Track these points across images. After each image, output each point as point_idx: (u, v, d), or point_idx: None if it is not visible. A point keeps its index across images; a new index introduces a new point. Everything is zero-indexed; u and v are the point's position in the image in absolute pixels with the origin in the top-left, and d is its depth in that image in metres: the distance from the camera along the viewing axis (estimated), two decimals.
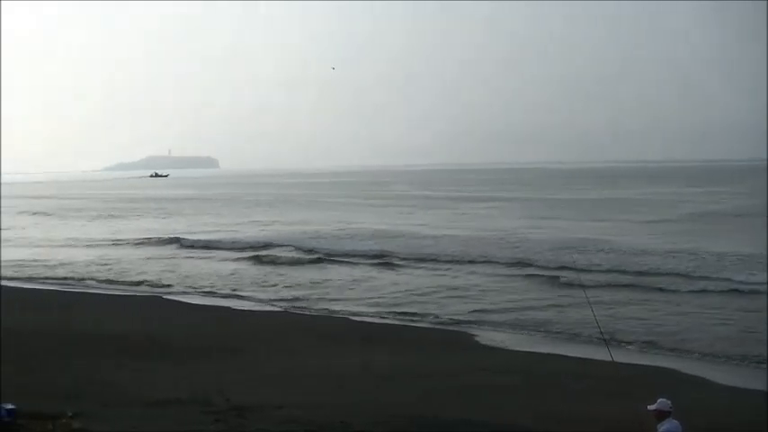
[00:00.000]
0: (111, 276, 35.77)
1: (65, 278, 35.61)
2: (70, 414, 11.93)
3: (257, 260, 40.72)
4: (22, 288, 32.38)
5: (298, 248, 44.27)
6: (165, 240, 50.48)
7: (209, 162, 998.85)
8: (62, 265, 39.80)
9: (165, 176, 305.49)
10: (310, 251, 42.88)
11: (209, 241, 49.18)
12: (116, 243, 50.60)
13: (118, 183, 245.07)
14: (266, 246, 46.33)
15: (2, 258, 41.16)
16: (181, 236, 52.35)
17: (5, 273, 36.86)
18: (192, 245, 47.91)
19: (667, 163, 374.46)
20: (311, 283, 33.06)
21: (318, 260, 39.70)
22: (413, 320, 25.02)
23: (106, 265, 39.78)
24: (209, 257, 42.56)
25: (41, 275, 36.36)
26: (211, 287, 32.36)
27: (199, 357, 18.42)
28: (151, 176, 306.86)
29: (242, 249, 45.34)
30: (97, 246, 49.38)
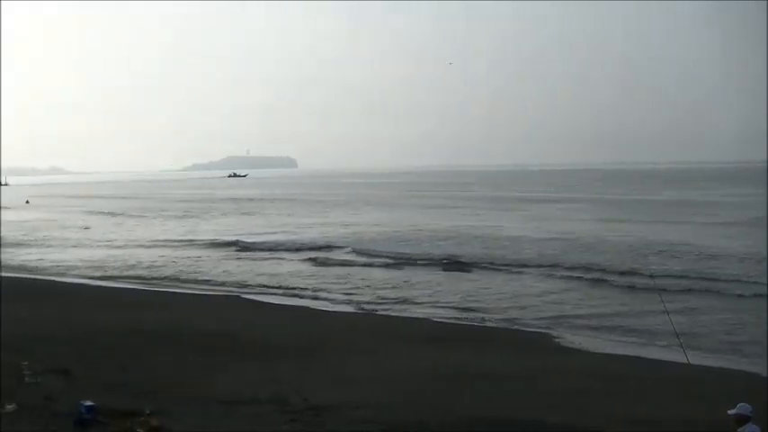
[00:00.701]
0: (189, 276, 36.85)
1: (143, 277, 36.82)
2: (148, 411, 12.16)
3: (330, 261, 41.18)
4: (105, 287, 33.65)
5: (371, 250, 44.48)
6: (226, 243, 50.97)
7: (288, 162, 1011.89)
8: (140, 264, 41.18)
9: (244, 176, 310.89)
10: (383, 253, 42.98)
11: (277, 243, 49.76)
12: (188, 243, 51.74)
13: (195, 182, 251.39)
14: (341, 247, 46.80)
15: (86, 258, 43.75)
16: (244, 237, 53.32)
17: (89, 272, 38.66)
18: (255, 247, 48.33)
19: (720, 164, 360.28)
20: (386, 284, 33.31)
21: (393, 262, 39.82)
22: (490, 322, 25.11)
23: (181, 264, 40.99)
24: (277, 258, 43.06)
25: (121, 275, 37.69)
26: (288, 287, 32.91)
27: (277, 357, 18.66)
28: (229, 176, 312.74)
29: (317, 249, 45.86)
30: (166, 246, 50.66)
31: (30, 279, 35.99)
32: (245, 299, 30.34)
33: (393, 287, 32.70)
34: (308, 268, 39.19)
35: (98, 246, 52.18)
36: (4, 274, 37.79)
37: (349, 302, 29.48)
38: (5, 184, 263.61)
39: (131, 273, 38.43)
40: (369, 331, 23.23)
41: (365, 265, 39.78)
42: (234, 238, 52.68)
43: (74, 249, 50.42)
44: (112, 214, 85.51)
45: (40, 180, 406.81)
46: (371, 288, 32.61)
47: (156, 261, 42.63)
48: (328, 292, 31.72)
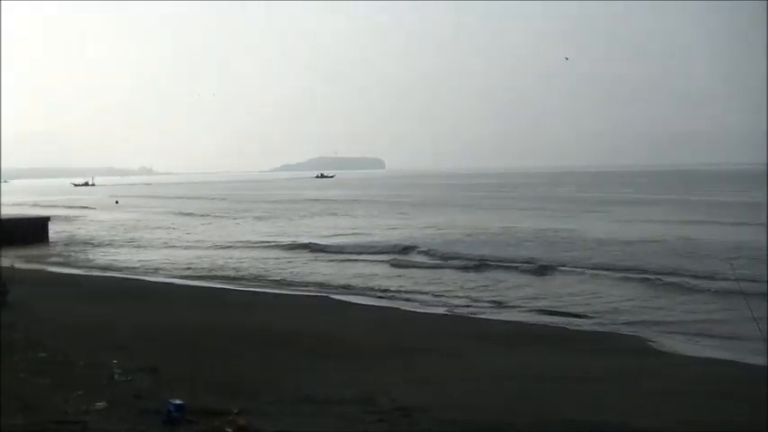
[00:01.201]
0: (275, 277, 37.54)
1: (230, 277, 37.68)
2: (236, 410, 12.18)
3: (411, 263, 41.52)
4: (192, 286, 34.52)
5: (453, 252, 44.43)
6: (308, 244, 51.33)
7: (376, 163, 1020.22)
8: (227, 265, 42.16)
9: (331, 177, 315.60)
10: (465, 255, 42.79)
11: (358, 244, 50.07)
12: (273, 244, 52.38)
13: (283, 183, 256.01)
14: (423, 248, 46.88)
15: (174, 258, 45.18)
16: (327, 239, 54.34)
17: (178, 272, 39.78)
18: (337, 249, 48.66)
19: None
20: (472, 286, 33.33)
21: (475, 264, 39.64)
22: (579, 325, 24.92)
23: (267, 265, 41.75)
24: (362, 261, 43.33)
25: (208, 275, 38.64)
26: (375, 289, 33.32)
27: (364, 357, 18.82)
28: (317, 177, 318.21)
29: (400, 251, 46.10)
30: (251, 247, 51.55)
31: (119, 278, 37.13)
32: (333, 299, 30.69)
33: (478, 289, 32.67)
34: (391, 270, 39.38)
35: (185, 246, 53.51)
36: (94, 274, 39.39)
37: (436, 304, 29.55)
38: (92, 184, 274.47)
39: (218, 273, 39.25)
40: (457, 332, 23.21)
41: (447, 267, 39.76)
42: (315, 240, 53.22)
43: (162, 249, 51.90)
44: (199, 215, 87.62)
45: (127, 180, 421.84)
46: (456, 290, 32.65)
47: (242, 262, 43.51)
48: (414, 294, 31.90)
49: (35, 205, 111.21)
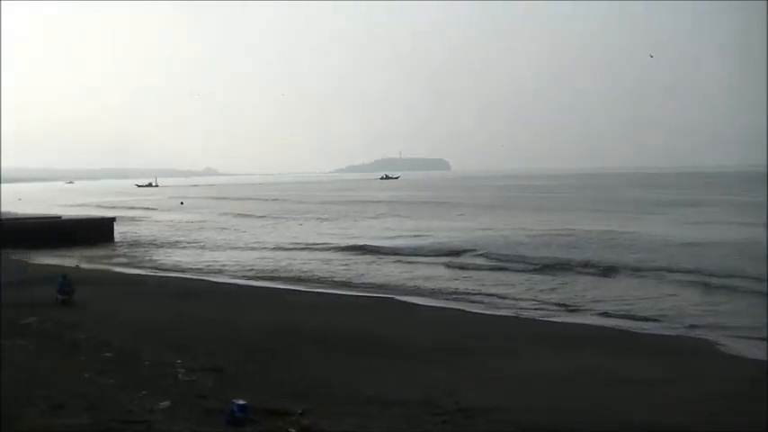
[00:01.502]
0: (337, 278, 37.73)
1: (292, 278, 37.99)
2: (300, 411, 12.42)
3: (474, 265, 41.33)
4: (256, 287, 34.88)
5: (518, 254, 44.23)
6: (369, 246, 51.23)
7: (441, 164, 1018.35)
8: (290, 266, 42.50)
9: (396, 178, 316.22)
10: (529, 258, 42.59)
11: (420, 247, 49.96)
12: (335, 247, 52.30)
13: (347, 184, 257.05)
14: (485, 250, 46.77)
15: (238, 259, 45.85)
16: (390, 240, 54.42)
17: (241, 273, 40.19)
18: (400, 250, 48.62)
19: None
20: (535, 288, 33.28)
21: (542, 266, 39.50)
22: (646, 328, 24.66)
23: (330, 266, 42.12)
24: (427, 264, 43.11)
25: (272, 276, 39.05)
26: (438, 290, 33.32)
27: (427, 358, 18.94)
28: (381, 179, 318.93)
29: (462, 252, 46.03)
30: (312, 249, 51.82)
31: (184, 279, 37.74)
32: (397, 300, 30.82)
33: (544, 291, 32.59)
34: (452, 272, 39.33)
35: (249, 247, 54.08)
36: (159, 274, 40.16)
37: (501, 306, 29.51)
38: (155, 186, 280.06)
39: (281, 274, 39.68)
40: (521, 334, 23.18)
41: (510, 269, 39.56)
42: (377, 242, 53.39)
43: (226, 250, 52.49)
44: (262, 216, 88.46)
45: (191, 181, 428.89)
46: (521, 292, 32.61)
47: (305, 263, 43.74)
48: (478, 295, 31.90)
49: (98, 206, 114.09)
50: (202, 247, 55.14)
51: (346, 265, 43.14)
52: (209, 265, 43.91)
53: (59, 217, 70.24)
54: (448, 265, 41.78)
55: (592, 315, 27.33)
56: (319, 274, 39.23)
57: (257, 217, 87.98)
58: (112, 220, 64.13)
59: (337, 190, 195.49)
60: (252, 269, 41.74)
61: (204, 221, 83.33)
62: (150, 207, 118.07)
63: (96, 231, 58.81)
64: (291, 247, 53.45)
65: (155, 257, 48.97)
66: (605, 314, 27.30)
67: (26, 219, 70.11)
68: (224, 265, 43.63)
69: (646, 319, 26.07)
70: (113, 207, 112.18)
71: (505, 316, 27.30)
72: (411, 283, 35.65)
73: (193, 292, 31.01)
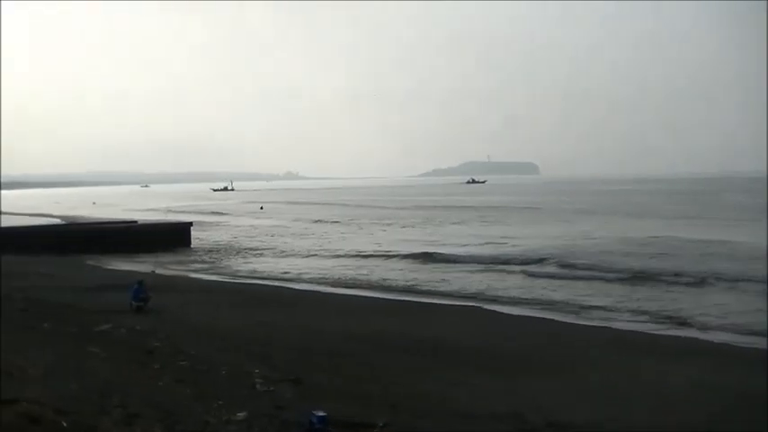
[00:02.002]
0: (419, 286, 37.83)
1: (373, 285, 38.37)
2: (381, 424, 12.46)
3: (562, 275, 40.91)
4: (337, 294, 35.36)
5: (613, 263, 43.48)
6: (448, 253, 50.86)
7: (530, 168, 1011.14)
8: (371, 273, 42.79)
9: (482, 182, 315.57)
10: (624, 267, 41.69)
11: (504, 254, 49.27)
12: (414, 254, 51.92)
13: (432, 189, 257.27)
14: (580, 258, 46.07)
15: (317, 266, 46.23)
16: (475, 247, 54.27)
17: (321, 280, 40.65)
18: (470, 258, 48.20)
19: None
20: (631, 299, 32.74)
21: (632, 276, 38.77)
22: (752, 343, 23.95)
23: (411, 274, 42.22)
24: (502, 270, 43.01)
25: (352, 283, 39.55)
26: (528, 299, 33.27)
27: (518, 370, 18.75)
28: (467, 182, 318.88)
29: (546, 262, 45.07)
30: (392, 256, 51.62)
31: (261, 285, 38.20)
32: (484, 309, 30.65)
33: (635, 301, 32.13)
34: (544, 281, 39.04)
35: (329, 254, 54.33)
36: (236, 281, 40.71)
37: (591, 316, 29.23)
38: (231, 189, 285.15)
39: (362, 281, 40.06)
40: (613, 346, 22.80)
41: (601, 278, 38.93)
42: (462, 250, 53.22)
43: (305, 257, 53.01)
44: (344, 222, 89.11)
45: (270, 185, 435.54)
46: (613, 302, 32.18)
47: (387, 270, 44.01)
48: (567, 305, 31.63)
49: (168, 211, 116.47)
50: (281, 254, 55.71)
51: (430, 272, 43.12)
52: (287, 272, 44.31)
53: (135, 221, 72.05)
54: (535, 274, 41.43)
55: (692, 328, 26.76)
56: (402, 282, 39.35)
57: (338, 222, 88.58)
58: (189, 224, 65.34)
59: (422, 195, 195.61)
60: (331, 276, 42.07)
61: (283, 227, 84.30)
62: (227, 212, 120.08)
63: (173, 236, 60.02)
64: (373, 253, 53.59)
65: (232, 264, 49.70)
66: (706, 327, 26.71)
67: (101, 223, 72.34)
68: (303, 272, 43.99)
69: (752, 333, 25.34)
70: (188, 212, 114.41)
71: (598, 327, 26.95)
72: (497, 292, 35.46)
73: (272, 300, 31.36)
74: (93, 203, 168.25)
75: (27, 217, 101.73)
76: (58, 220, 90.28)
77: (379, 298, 34.12)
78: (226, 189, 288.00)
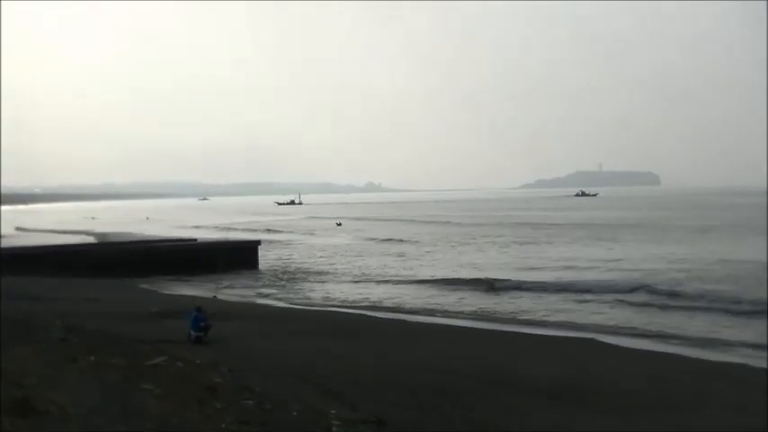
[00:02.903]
0: (520, 315, 37.81)
1: (465, 313, 38.44)
2: None
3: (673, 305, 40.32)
4: (417, 322, 35.45)
5: (739, 291, 42.95)
6: (541, 279, 50.75)
7: (649, 178, 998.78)
8: (463, 299, 42.89)
9: (593, 195, 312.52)
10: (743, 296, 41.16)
11: (618, 280, 48.79)
12: (497, 277, 52.13)
13: (537, 203, 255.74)
14: (698, 286, 45.50)
15: (401, 292, 46.06)
16: (565, 273, 53.86)
17: (403, 307, 40.73)
18: (572, 286, 47.43)
19: None
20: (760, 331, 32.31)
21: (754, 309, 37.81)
22: None
23: (510, 301, 42.14)
24: (620, 299, 42.44)
25: (439, 308, 39.79)
26: (646, 332, 33.09)
27: (633, 411, 18.46)
28: (576, 195, 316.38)
29: (662, 289, 44.62)
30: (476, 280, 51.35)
31: (335, 312, 38.45)
32: (598, 341, 30.41)
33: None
34: (665, 310, 38.86)
35: (410, 279, 54.36)
36: (308, 307, 40.71)
37: (723, 349, 29.18)
38: (299, 203, 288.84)
39: (452, 308, 40.09)
40: (745, 385, 22.35)
41: (731, 311, 38.10)
42: (570, 275, 53.11)
43: (383, 281, 53.30)
44: (429, 242, 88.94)
45: (346, 198, 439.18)
46: (745, 335, 31.93)
47: (484, 297, 43.70)
48: (693, 339, 31.46)
49: (227, 228, 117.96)
50: (358, 278, 55.94)
51: (532, 299, 42.92)
52: (365, 298, 44.51)
53: (194, 240, 73.16)
54: (652, 303, 41.00)
55: None
56: (498, 309, 39.21)
57: (423, 243, 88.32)
58: (257, 243, 65.95)
59: (524, 209, 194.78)
60: (415, 303, 42.10)
61: (361, 246, 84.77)
62: (297, 229, 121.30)
63: (237, 257, 60.52)
64: (464, 277, 53.39)
65: (304, 288, 50.04)
66: None
67: (155, 241, 73.59)
68: (384, 298, 44.14)
69: None
70: (254, 229, 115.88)
71: (726, 362, 26.56)
72: (612, 322, 35.30)
73: (348, 329, 31.22)
74: (147, 218, 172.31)
75: (68, 235, 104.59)
76: (101, 239, 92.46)
77: (471, 327, 33.98)
78: (292, 203, 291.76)
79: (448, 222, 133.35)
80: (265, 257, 66.43)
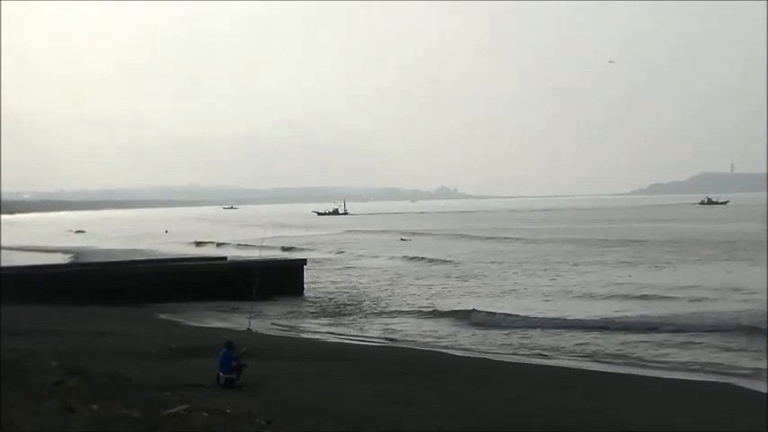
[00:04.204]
0: (627, 354, 37.80)
1: (577, 353, 38.30)
2: None
3: None
4: (512, 363, 35.49)
5: None
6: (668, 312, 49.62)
7: None
8: (566, 337, 42.27)
9: (723, 204, 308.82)
10: None
11: (738, 312, 47.76)
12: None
13: (649, 211, 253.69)
14: None
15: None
16: (697, 305, 52.71)
17: (486, 345, 40.59)
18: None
19: None
20: None
21: None
22: None
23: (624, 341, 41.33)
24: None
25: (527, 348, 39.80)
26: None
27: None
28: (701, 203, 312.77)
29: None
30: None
31: (407, 350, 38.43)
32: (739, 387, 30.16)
33: None
34: None
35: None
36: (370, 343, 40.48)
37: None
38: (344, 213, 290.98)
39: (552, 347, 39.88)
40: None
41: None
42: (705, 306, 52.16)
43: (453, 316, 51.75)
44: (515, 262, 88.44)
45: (414, 206, 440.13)
46: None
47: (598, 336, 42.84)
48: None
49: (240, 245, 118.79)
50: (426, 307, 55.67)
51: (639, 335, 42.46)
52: (434, 332, 44.57)
53: (224, 258, 73.33)
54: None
55: None
56: (609, 350, 38.92)
57: (507, 263, 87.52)
58: (302, 263, 65.71)
59: (636, 220, 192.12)
60: (497, 338, 42.11)
61: (429, 268, 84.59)
62: (349, 244, 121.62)
63: (277, 279, 59.88)
64: (558, 308, 53.20)
65: (359, 319, 50.09)
66: None
67: (177, 260, 73.94)
68: (456, 332, 44.38)
69: None
70: (299, 247, 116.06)
71: None
72: (752, 364, 34.91)
73: (414, 370, 30.86)
74: (166, 232, 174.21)
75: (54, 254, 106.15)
76: (110, 257, 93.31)
77: (576, 368, 33.99)
78: (336, 212, 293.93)
79: (532, 240, 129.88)
80: (312, 280, 66.66)
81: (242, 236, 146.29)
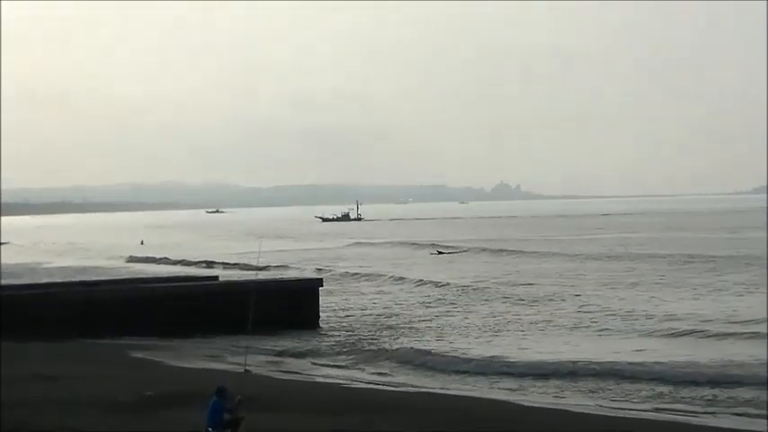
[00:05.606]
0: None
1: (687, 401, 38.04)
2: None
3: None
4: (593, 415, 34.56)
5: None
6: None
7: None
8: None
9: None
10: None
11: None
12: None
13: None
14: None
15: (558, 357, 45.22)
16: None
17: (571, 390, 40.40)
18: None
19: None
20: None
21: None
22: None
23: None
24: None
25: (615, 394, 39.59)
26: None
27: None
28: None
29: None
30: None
31: (445, 396, 37.91)
32: None
33: None
34: None
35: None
36: (401, 389, 39.64)
37: None
38: (357, 218, 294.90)
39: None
40: None
41: None
42: None
43: (525, 342, 52.90)
44: (603, 283, 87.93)
45: (464, 208, 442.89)
46: None
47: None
48: None
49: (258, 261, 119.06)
50: (480, 338, 55.48)
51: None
52: (497, 370, 44.11)
53: (215, 278, 72.63)
54: None
55: None
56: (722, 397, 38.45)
57: (591, 289, 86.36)
58: (317, 284, 64.32)
59: (754, 227, 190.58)
60: (583, 386, 41.46)
61: (476, 292, 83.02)
62: (376, 258, 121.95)
63: (284, 305, 59.05)
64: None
65: (393, 357, 49.27)
66: None
67: (156, 280, 73.37)
68: (523, 379, 43.14)
69: None
70: (234, 264, 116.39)
71: None
72: None
73: (467, 426, 30.19)
74: (142, 243, 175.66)
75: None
76: (74, 276, 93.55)
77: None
78: (346, 218, 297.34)
79: (610, 257, 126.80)
80: (327, 305, 66.53)
81: (205, 250, 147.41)
